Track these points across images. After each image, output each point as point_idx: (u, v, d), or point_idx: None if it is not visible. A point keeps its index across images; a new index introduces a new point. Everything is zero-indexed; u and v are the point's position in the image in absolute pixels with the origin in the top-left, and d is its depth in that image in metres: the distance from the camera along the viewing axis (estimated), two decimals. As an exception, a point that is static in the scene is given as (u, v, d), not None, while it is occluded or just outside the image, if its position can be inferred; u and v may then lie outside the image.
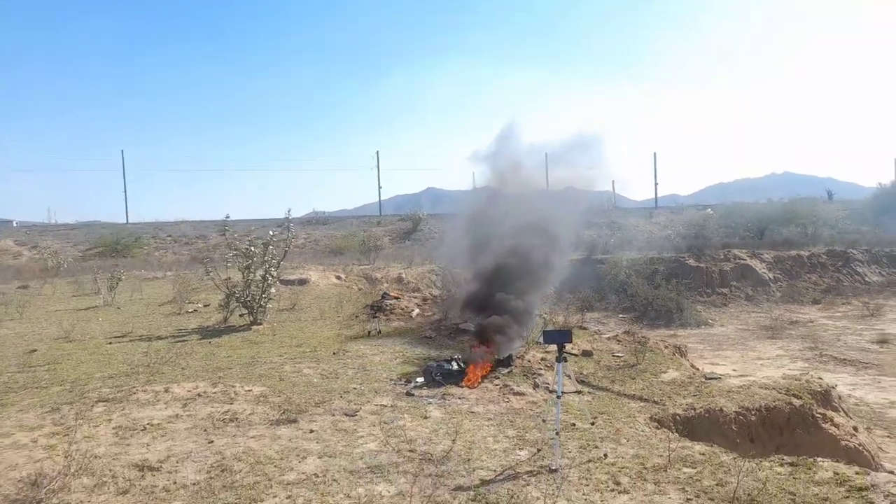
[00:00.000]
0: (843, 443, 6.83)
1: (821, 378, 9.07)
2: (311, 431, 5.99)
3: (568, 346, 7.89)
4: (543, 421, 6.17)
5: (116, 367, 8.65)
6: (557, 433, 5.20)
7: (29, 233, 33.30)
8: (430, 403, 7.06)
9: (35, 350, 9.82)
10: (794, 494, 4.46)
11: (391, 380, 8.12)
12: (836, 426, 7.03)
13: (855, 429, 7.45)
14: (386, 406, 6.91)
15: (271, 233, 13.26)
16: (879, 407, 11.59)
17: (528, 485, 4.79)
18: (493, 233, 11.18)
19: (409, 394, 7.43)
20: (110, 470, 5.02)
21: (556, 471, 5.03)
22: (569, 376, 6.03)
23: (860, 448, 6.95)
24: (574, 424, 6.29)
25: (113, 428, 6.05)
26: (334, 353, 9.71)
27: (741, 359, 15.94)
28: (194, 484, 4.78)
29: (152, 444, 5.64)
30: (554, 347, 9.40)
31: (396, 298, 14.47)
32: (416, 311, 13.32)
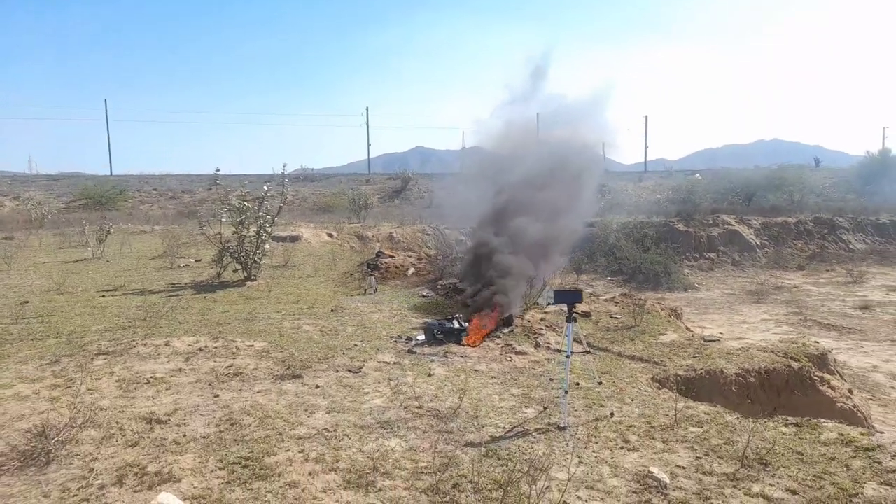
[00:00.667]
0: (839, 405, 6.98)
1: (817, 342, 9.24)
2: (317, 387, 5.97)
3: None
4: (551, 380, 6.20)
5: (112, 321, 8.53)
6: (566, 392, 5.22)
7: (10, 183, 32.52)
8: (432, 361, 7.06)
9: (27, 302, 9.64)
10: (802, 454, 4.54)
11: (391, 337, 8.10)
12: (833, 388, 7.18)
13: (850, 391, 7.63)
14: (389, 363, 6.90)
15: (266, 187, 13.01)
16: (862, 371, 11.87)
17: (538, 442, 4.84)
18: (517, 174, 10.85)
19: (410, 351, 7.43)
20: (117, 422, 4.97)
21: (564, 428, 5.07)
22: (578, 341, 6.03)
23: (854, 410, 7.12)
24: (578, 384, 6.34)
25: (116, 381, 5.98)
26: (332, 311, 9.66)
27: (727, 322, 16.21)
28: (204, 437, 4.75)
29: (157, 398, 5.58)
30: (553, 308, 9.48)
31: (391, 257, 14.39)
32: (412, 269, 13.27)
